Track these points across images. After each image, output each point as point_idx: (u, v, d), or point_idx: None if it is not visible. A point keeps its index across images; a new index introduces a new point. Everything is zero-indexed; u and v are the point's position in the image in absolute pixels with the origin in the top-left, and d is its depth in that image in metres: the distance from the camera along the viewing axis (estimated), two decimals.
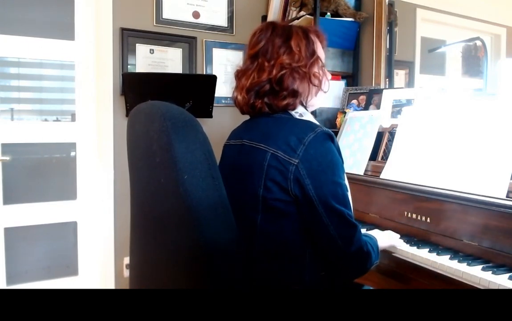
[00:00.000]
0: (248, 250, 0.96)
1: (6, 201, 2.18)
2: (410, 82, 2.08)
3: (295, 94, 1.01)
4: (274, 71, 0.99)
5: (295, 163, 0.92)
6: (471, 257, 1.09)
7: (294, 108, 1.03)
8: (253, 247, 0.97)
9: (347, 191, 1.00)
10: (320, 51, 1.09)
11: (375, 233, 1.19)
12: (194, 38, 2.47)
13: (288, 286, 0.98)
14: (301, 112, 1.04)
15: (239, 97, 1.05)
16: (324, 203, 0.92)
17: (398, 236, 1.24)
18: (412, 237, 1.27)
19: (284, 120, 1.01)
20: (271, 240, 0.97)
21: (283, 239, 0.96)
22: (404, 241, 1.23)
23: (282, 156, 0.93)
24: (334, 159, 0.96)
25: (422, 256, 1.12)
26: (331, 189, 0.94)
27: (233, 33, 2.59)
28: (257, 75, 1.01)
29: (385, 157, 1.51)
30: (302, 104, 1.06)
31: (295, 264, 0.98)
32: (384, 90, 1.87)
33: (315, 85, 1.05)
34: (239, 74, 1.07)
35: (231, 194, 0.88)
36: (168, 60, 2.42)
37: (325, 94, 1.11)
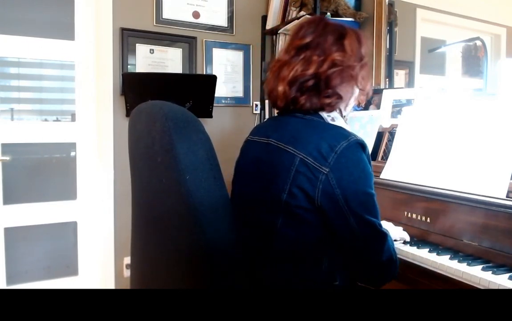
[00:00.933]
0: (263, 250, 0.95)
1: (6, 201, 2.18)
2: (410, 82, 2.08)
3: (338, 96, 0.97)
4: (325, 66, 0.94)
5: (326, 172, 0.88)
6: (471, 257, 1.09)
7: (332, 110, 0.99)
8: (270, 248, 0.95)
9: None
10: (367, 55, 1.05)
11: (388, 226, 1.20)
12: (194, 38, 2.47)
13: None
14: (333, 116, 0.99)
15: (280, 88, 0.98)
16: (355, 214, 0.90)
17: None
18: (412, 237, 1.27)
19: (315, 124, 0.96)
20: (289, 244, 0.94)
21: (301, 245, 0.94)
22: (404, 241, 1.23)
23: (312, 163, 0.89)
24: (366, 170, 0.92)
25: (422, 256, 1.12)
26: (362, 199, 0.90)
27: (233, 33, 2.59)
28: (302, 68, 0.95)
29: (385, 157, 1.51)
30: (339, 109, 1.02)
31: (310, 271, 0.96)
32: (384, 90, 1.87)
33: (359, 88, 1.02)
34: (279, 65, 1.01)
35: (249, 190, 0.87)
36: (168, 60, 2.42)
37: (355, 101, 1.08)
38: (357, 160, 0.91)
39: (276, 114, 1.10)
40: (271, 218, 0.94)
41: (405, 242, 1.23)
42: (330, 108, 0.98)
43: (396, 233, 1.22)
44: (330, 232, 0.93)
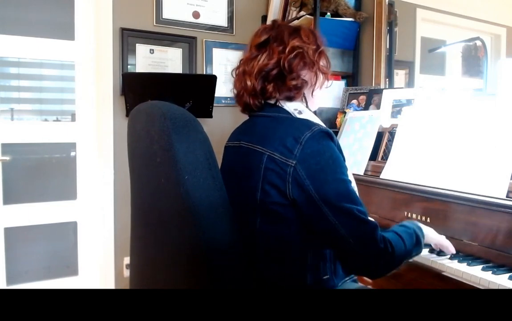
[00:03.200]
0: (249, 252, 0.95)
1: (6, 201, 2.18)
2: (410, 82, 2.08)
3: (303, 80, 1.01)
4: (286, 52, 0.99)
5: (293, 164, 0.89)
6: (471, 257, 1.09)
7: (299, 96, 1.02)
8: (254, 249, 0.96)
9: (352, 185, 0.95)
10: (324, 48, 1.09)
11: (428, 230, 1.10)
12: (194, 38, 2.47)
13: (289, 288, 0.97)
14: (300, 110, 1.02)
15: (248, 83, 1.02)
16: (328, 202, 0.88)
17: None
18: None
19: (281, 120, 0.99)
20: (271, 243, 0.95)
21: (283, 241, 0.95)
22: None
23: (279, 158, 0.91)
24: (334, 156, 0.92)
25: (422, 256, 1.12)
26: (332, 186, 0.89)
27: (233, 33, 2.59)
28: (266, 59, 1.00)
29: (385, 157, 1.51)
30: (305, 98, 1.05)
31: (296, 267, 0.96)
32: (384, 90, 1.87)
33: (322, 73, 1.05)
34: (243, 62, 1.05)
35: (230, 196, 0.87)
36: (168, 60, 2.42)
37: (323, 94, 1.11)
38: (323, 148, 0.91)
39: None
40: (251, 219, 0.96)
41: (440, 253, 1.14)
42: (298, 92, 1.01)
43: (434, 237, 1.11)
44: (308, 225, 0.92)
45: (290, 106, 1.02)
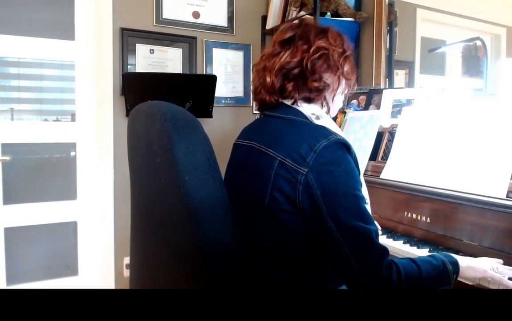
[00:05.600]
0: (250, 254, 0.92)
1: (6, 201, 2.18)
2: (410, 82, 2.08)
3: (325, 83, 0.97)
4: (310, 52, 0.95)
5: (304, 172, 0.84)
6: (471, 257, 1.09)
7: (318, 99, 0.98)
8: (255, 254, 0.93)
9: (366, 203, 0.89)
10: (350, 54, 1.05)
11: (465, 259, 1.00)
12: (194, 38, 2.47)
13: None
14: (318, 115, 0.96)
15: (268, 79, 0.97)
16: (335, 216, 0.83)
17: (499, 261, 1.04)
18: (412, 237, 1.27)
19: (297, 124, 0.94)
20: (273, 250, 0.91)
21: (285, 250, 0.91)
22: (404, 241, 1.23)
23: (291, 165, 0.86)
24: (348, 168, 0.86)
25: (422, 256, 1.12)
26: (343, 201, 0.83)
27: (233, 33, 2.59)
28: (289, 56, 0.96)
29: (385, 157, 1.51)
30: (325, 101, 1.00)
31: (296, 276, 0.93)
32: (384, 90, 1.87)
33: (346, 79, 1.01)
34: (265, 57, 1.01)
35: (235, 195, 0.86)
36: (168, 60, 2.42)
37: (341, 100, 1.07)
38: (338, 159, 0.86)
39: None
40: (255, 222, 0.92)
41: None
42: (318, 95, 0.97)
43: (472, 275, 0.99)
44: (314, 238, 0.88)
45: (308, 110, 0.96)
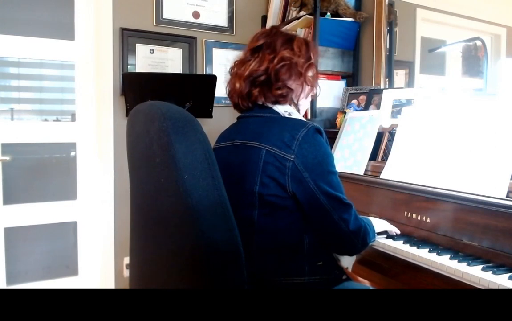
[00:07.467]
0: (246, 246, 0.96)
1: (6, 201, 2.18)
2: (410, 82, 2.08)
3: (289, 89, 1.07)
4: (275, 62, 1.05)
5: (291, 159, 0.96)
6: (471, 257, 1.09)
7: (285, 102, 1.08)
8: (252, 242, 0.99)
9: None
10: (315, 60, 1.15)
11: (373, 220, 1.26)
12: (194, 38, 2.47)
13: (287, 278, 1.01)
14: (290, 111, 1.08)
15: (237, 85, 1.09)
16: (325, 192, 0.98)
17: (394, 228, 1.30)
18: (412, 237, 1.27)
19: (274, 119, 1.05)
20: (268, 233, 1.00)
21: (280, 231, 1.00)
22: (404, 241, 1.23)
23: (278, 153, 0.97)
24: (327, 151, 1.02)
25: (422, 256, 1.12)
26: (328, 178, 1.00)
27: (233, 33, 2.59)
28: (257, 65, 1.06)
29: (385, 157, 1.51)
30: (293, 102, 1.11)
31: (293, 255, 1.01)
32: (384, 90, 1.87)
33: (308, 85, 1.12)
34: (237, 64, 1.12)
35: (227, 193, 0.88)
36: (168, 60, 2.42)
37: (307, 100, 1.18)
38: (318, 144, 1.00)
39: (235, 120, 1.18)
40: (248, 212, 1.00)
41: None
42: (284, 99, 1.08)
43: (380, 225, 1.27)
44: (305, 214, 1.00)
45: (280, 109, 1.08)
